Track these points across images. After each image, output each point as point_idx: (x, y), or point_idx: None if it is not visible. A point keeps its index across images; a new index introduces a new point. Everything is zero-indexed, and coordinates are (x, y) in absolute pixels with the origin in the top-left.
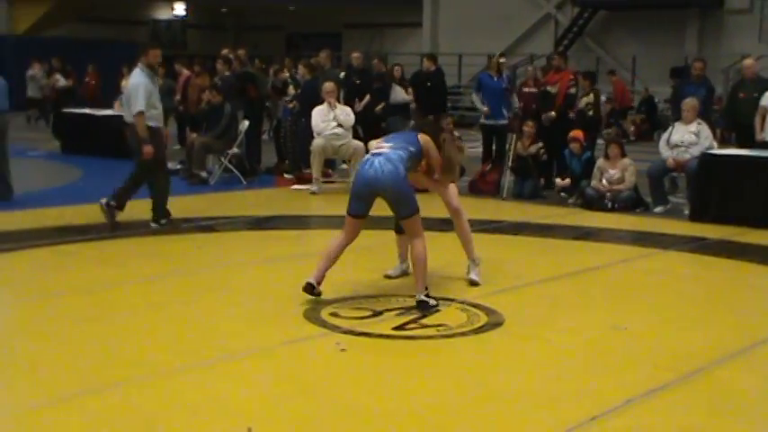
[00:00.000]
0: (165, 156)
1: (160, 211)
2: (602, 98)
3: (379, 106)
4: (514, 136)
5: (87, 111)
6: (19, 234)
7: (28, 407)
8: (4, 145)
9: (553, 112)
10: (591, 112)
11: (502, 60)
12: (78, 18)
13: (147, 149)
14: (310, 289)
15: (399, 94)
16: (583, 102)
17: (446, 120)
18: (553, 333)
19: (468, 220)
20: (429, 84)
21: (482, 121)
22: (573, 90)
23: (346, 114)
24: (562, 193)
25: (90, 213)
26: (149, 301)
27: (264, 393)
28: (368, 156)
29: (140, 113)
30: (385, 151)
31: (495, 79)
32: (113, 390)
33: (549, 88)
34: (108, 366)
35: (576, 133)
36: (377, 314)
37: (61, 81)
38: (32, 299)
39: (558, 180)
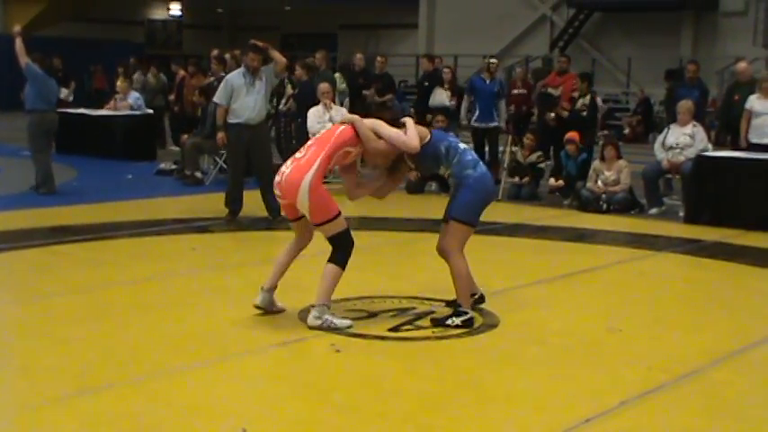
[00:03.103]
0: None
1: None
2: (599, 100)
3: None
4: (510, 138)
5: (82, 110)
6: (13, 234)
7: (24, 407)
8: (51, 143)
9: (553, 114)
10: (585, 113)
11: (492, 61)
12: (73, 17)
13: (218, 136)
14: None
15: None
16: (579, 103)
17: (438, 117)
18: (548, 334)
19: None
20: (427, 84)
21: (473, 123)
22: (577, 93)
23: (342, 115)
24: (557, 193)
25: (85, 213)
26: (145, 302)
27: (259, 394)
28: (473, 154)
29: (216, 104)
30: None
31: (488, 82)
32: (109, 390)
33: (550, 90)
34: (103, 367)
35: (572, 135)
36: (372, 315)
37: (62, 92)
38: (27, 299)
39: (551, 180)
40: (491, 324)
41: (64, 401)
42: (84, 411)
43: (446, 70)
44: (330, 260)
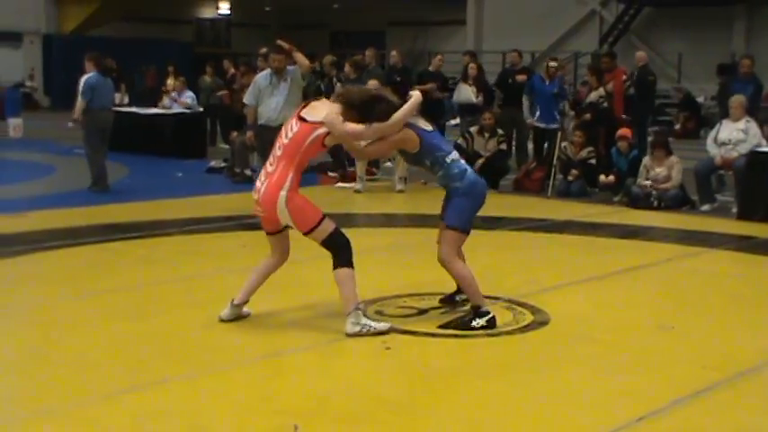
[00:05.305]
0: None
1: None
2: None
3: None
4: (560, 134)
5: (133, 109)
6: (67, 231)
7: (77, 403)
8: (106, 141)
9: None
10: (605, 104)
11: (552, 64)
12: (124, 17)
13: (247, 135)
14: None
15: (464, 94)
16: (594, 96)
17: (486, 114)
18: (599, 332)
19: (514, 219)
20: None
21: (534, 123)
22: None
23: None
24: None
25: (137, 211)
26: (196, 299)
27: (311, 391)
28: (460, 166)
29: (244, 105)
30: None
31: (547, 83)
32: (161, 386)
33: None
34: (155, 364)
35: (624, 131)
36: (422, 312)
37: (116, 97)
38: (80, 295)
39: (602, 177)
40: (541, 321)
41: (116, 397)
42: (136, 407)
43: (472, 66)
44: (335, 267)
